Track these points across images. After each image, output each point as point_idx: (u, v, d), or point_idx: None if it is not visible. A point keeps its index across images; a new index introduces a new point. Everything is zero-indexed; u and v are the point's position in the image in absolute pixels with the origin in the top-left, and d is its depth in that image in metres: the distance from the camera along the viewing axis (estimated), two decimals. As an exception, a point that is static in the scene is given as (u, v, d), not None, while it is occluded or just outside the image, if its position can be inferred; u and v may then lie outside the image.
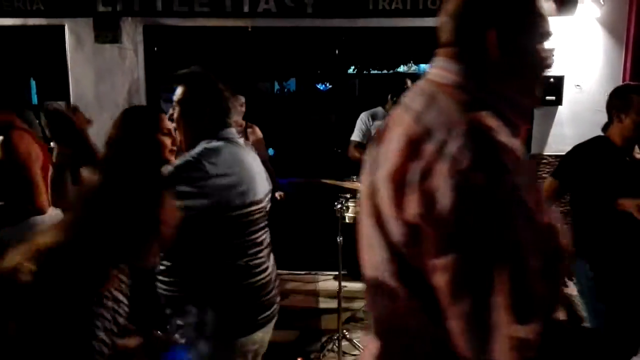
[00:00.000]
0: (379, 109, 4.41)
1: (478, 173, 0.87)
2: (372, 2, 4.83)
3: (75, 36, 5.00)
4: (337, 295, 3.67)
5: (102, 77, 5.06)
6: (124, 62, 5.02)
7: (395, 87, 4.30)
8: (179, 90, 1.94)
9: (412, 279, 0.98)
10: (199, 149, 1.83)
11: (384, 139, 1.06)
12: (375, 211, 1.03)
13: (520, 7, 1.06)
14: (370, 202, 1.05)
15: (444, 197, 0.88)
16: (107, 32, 4.94)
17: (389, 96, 4.33)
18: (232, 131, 1.94)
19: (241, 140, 1.98)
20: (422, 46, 5.30)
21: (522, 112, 1.07)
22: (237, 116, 4.15)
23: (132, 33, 4.99)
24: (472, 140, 0.90)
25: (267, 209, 2.02)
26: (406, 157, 0.95)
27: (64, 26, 5.00)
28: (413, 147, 0.95)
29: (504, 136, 0.92)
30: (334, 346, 3.63)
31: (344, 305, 3.76)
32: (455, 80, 1.04)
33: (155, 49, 5.20)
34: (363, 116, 4.42)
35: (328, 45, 5.41)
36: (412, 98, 1.07)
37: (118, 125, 2.15)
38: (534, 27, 1.08)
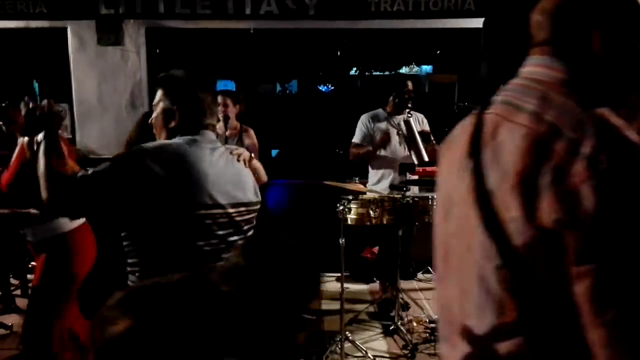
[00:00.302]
0: (380, 111, 4.35)
1: (619, 174, 0.84)
2: (374, 4, 4.84)
3: (78, 38, 5.02)
4: (339, 296, 3.67)
5: (104, 79, 5.08)
6: (126, 64, 5.04)
7: (396, 89, 4.24)
8: (157, 93, 1.96)
9: (527, 288, 0.94)
10: (148, 144, 1.83)
11: (487, 143, 1.01)
12: (486, 216, 0.97)
13: (623, 6, 1.03)
14: (477, 207, 1.00)
15: (586, 200, 0.84)
16: (109, 35, 4.96)
17: (390, 97, 4.27)
18: (206, 134, 1.89)
19: (213, 145, 1.89)
20: (424, 47, 5.30)
21: (632, 110, 1.02)
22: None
23: (134, 35, 5.01)
24: (605, 139, 0.87)
25: (244, 217, 1.91)
26: (533, 158, 0.91)
27: (66, 28, 5.02)
28: (540, 147, 0.91)
29: (633, 134, 0.88)
30: (337, 348, 3.62)
31: (346, 307, 3.76)
32: (563, 78, 1.01)
33: (158, 51, 5.22)
34: (363, 118, 4.36)
35: (330, 47, 5.42)
36: (519, 97, 1.02)
37: (138, 127, 2.19)
38: (637, 25, 1.03)
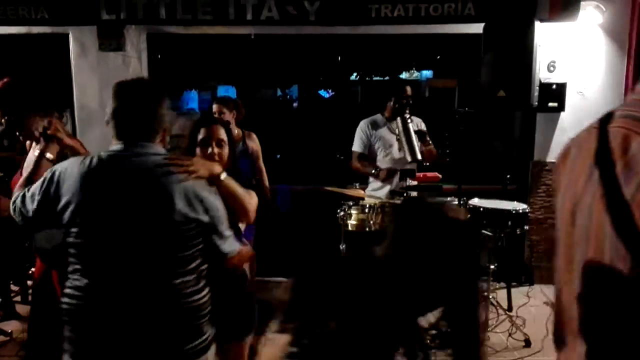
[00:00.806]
0: (378, 116, 4.33)
1: None
2: (374, 10, 4.85)
3: (80, 44, 5.03)
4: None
5: (106, 84, 5.08)
6: (127, 70, 5.04)
7: (395, 93, 4.21)
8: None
9: None
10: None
11: (619, 155, 1.06)
12: (620, 224, 1.02)
13: None
14: (610, 215, 1.04)
15: None
16: (111, 40, 4.97)
17: (390, 102, 4.25)
18: (144, 145, 1.86)
19: (138, 159, 1.83)
20: (424, 53, 5.31)
21: None
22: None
23: (135, 41, 5.02)
24: None
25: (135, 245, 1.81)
26: None
27: (68, 34, 5.04)
28: None
29: None
30: (337, 354, 3.62)
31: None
32: None
33: (159, 56, 5.22)
34: (362, 125, 4.32)
35: (330, 52, 5.42)
36: None
37: (189, 134, 2.36)
38: None
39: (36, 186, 1.89)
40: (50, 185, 1.85)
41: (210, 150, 2.29)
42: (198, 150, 2.31)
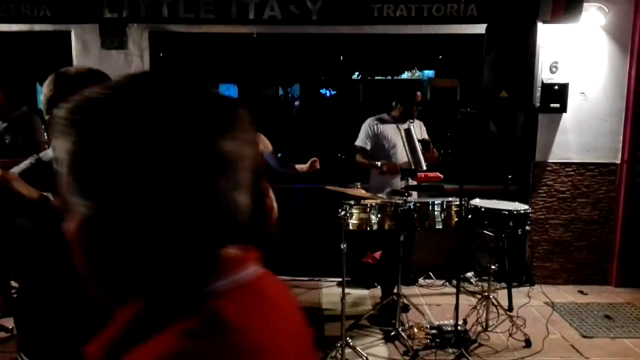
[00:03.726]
0: (385, 115, 4.48)
1: None
2: (377, 10, 4.85)
3: (82, 42, 5.04)
4: (340, 302, 3.67)
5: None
6: (129, 68, 5.04)
7: (405, 97, 4.34)
8: None
9: None
10: None
11: None
12: None
13: None
14: None
15: None
16: (113, 38, 4.97)
17: (398, 104, 4.39)
18: (44, 154, 1.88)
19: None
20: (426, 53, 5.31)
21: None
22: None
23: (138, 39, 5.02)
24: None
25: None
26: None
27: (70, 32, 5.04)
28: None
29: None
30: (338, 354, 3.62)
31: (347, 312, 3.76)
32: None
33: (161, 55, 5.22)
34: (369, 121, 4.46)
35: (332, 52, 5.42)
36: None
37: None
38: None
39: None
40: None
41: None
42: None
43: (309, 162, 3.91)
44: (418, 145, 4.24)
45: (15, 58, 5.28)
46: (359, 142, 4.44)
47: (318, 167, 3.86)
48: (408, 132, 4.22)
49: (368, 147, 4.38)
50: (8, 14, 4.93)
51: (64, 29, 5.03)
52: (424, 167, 4.23)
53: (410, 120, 4.35)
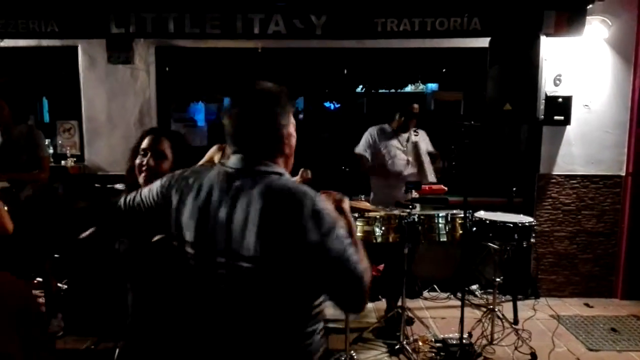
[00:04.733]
0: (386, 126, 4.57)
1: None
2: (381, 24, 4.89)
3: (88, 57, 5.10)
4: (344, 314, 3.66)
5: (114, 97, 5.14)
6: (136, 83, 5.10)
7: (403, 109, 4.44)
8: None
9: None
10: None
11: None
12: None
13: None
14: None
15: None
16: (119, 53, 5.03)
17: (397, 116, 4.47)
18: (268, 164, 1.57)
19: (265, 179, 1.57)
20: (430, 66, 5.33)
21: None
22: None
23: (144, 54, 5.08)
24: None
25: None
26: None
27: (77, 47, 5.10)
28: None
29: None
30: (342, 366, 3.60)
31: (351, 325, 3.75)
32: None
33: (167, 69, 5.27)
34: (372, 130, 4.55)
35: (337, 66, 5.46)
36: None
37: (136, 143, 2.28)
38: None
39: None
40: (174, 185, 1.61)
41: (139, 160, 2.05)
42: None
43: (300, 173, 3.93)
44: (425, 159, 4.35)
45: (22, 73, 5.34)
46: (359, 150, 4.52)
47: (310, 177, 3.88)
48: (415, 145, 4.33)
49: (367, 155, 4.47)
50: (17, 30, 5.00)
51: (71, 44, 5.10)
52: (431, 180, 4.27)
53: (415, 132, 4.44)
